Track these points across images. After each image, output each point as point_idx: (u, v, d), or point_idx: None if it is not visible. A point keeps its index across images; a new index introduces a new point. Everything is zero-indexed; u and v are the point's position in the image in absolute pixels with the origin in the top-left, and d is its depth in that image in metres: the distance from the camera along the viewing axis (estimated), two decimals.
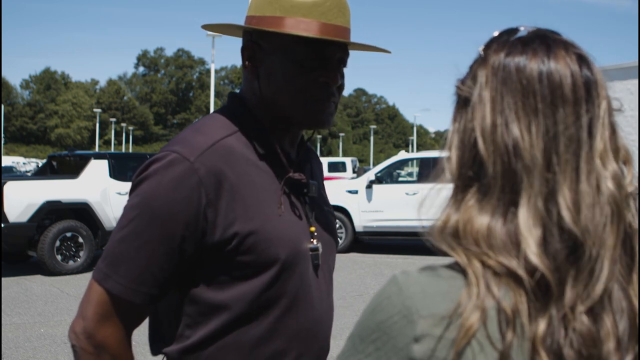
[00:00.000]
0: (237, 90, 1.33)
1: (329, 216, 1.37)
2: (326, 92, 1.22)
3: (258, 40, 1.22)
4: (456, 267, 0.70)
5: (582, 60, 0.72)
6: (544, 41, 0.73)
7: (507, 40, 0.74)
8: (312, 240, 1.25)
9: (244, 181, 1.16)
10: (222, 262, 1.14)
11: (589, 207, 0.67)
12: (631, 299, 0.68)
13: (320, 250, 1.26)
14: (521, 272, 0.66)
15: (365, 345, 0.71)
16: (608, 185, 0.68)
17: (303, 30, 1.16)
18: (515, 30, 0.76)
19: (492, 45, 0.75)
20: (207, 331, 1.16)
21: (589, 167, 0.68)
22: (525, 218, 0.67)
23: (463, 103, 0.75)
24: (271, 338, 1.18)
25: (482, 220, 0.69)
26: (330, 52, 1.20)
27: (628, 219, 0.69)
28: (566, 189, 0.67)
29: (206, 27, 1.30)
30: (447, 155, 0.75)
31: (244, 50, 1.24)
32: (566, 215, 0.67)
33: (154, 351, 1.24)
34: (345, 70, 1.27)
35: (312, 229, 1.26)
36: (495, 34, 0.77)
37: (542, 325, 0.65)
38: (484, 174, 0.71)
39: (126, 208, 1.15)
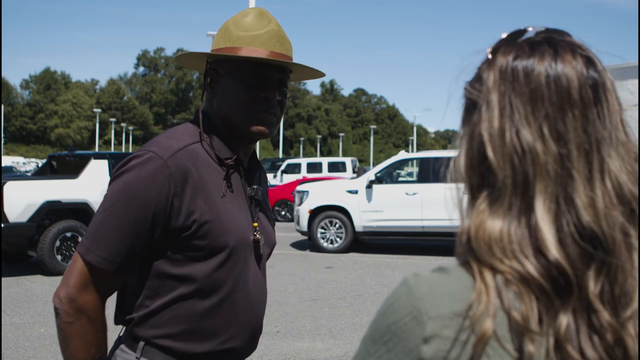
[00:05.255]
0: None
1: (269, 220, 1.64)
2: (266, 105, 1.47)
3: (216, 67, 1.50)
4: (468, 267, 0.70)
5: (589, 62, 0.72)
6: (552, 44, 0.72)
7: (515, 43, 0.74)
8: (255, 233, 1.50)
9: (205, 180, 1.41)
10: (182, 243, 1.37)
11: (607, 207, 0.67)
12: None
13: (262, 242, 1.51)
14: (536, 274, 0.66)
15: (377, 347, 0.71)
16: (624, 182, 0.68)
17: (246, 55, 1.44)
18: (523, 32, 0.75)
19: (500, 47, 0.74)
20: (163, 301, 1.39)
21: (603, 168, 0.68)
22: (543, 220, 0.67)
23: (471, 106, 0.75)
24: (216, 313, 1.42)
25: (494, 224, 0.69)
26: (270, 74, 1.47)
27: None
28: (582, 190, 0.68)
29: (178, 59, 1.57)
30: (456, 160, 0.75)
31: (205, 75, 1.51)
32: (585, 215, 0.67)
33: (117, 321, 1.46)
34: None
35: (255, 224, 1.52)
36: (503, 35, 0.76)
37: (564, 322, 0.66)
38: (494, 179, 0.70)
39: (107, 195, 1.37)
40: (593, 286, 0.66)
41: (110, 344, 1.45)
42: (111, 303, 1.42)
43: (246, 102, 1.45)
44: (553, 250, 0.66)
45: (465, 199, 0.75)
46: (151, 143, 1.41)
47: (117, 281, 1.39)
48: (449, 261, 0.73)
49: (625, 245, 0.67)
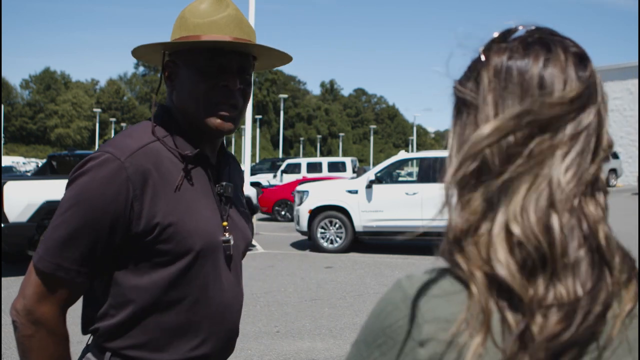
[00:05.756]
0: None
1: (243, 216, 1.54)
2: (226, 95, 1.38)
3: (174, 59, 1.42)
4: (460, 267, 0.69)
5: (581, 62, 0.71)
6: (545, 44, 0.72)
7: (507, 42, 0.73)
8: (224, 233, 1.41)
9: (167, 180, 1.34)
10: (145, 249, 1.30)
11: (558, 211, 0.66)
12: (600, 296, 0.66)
13: (232, 242, 1.42)
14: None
15: (371, 351, 0.71)
16: (567, 187, 0.67)
17: (203, 44, 1.35)
18: (514, 31, 0.75)
19: (493, 46, 0.74)
20: (129, 310, 1.32)
21: (588, 171, 0.68)
22: (499, 224, 0.67)
23: (463, 105, 0.74)
24: (185, 320, 1.35)
25: (485, 225, 0.69)
26: (229, 60, 1.38)
27: (591, 220, 0.68)
28: (526, 193, 0.67)
29: (135, 54, 1.48)
30: (449, 158, 0.74)
31: (164, 68, 1.44)
32: (533, 219, 0.66)
33: (84, 331, 1.39)
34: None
35: (225, 223, 1.43)
36: (495, 34, 0.75)
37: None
38: (489, 179, 0.70)
39: (63, 199, 1.30)
40: (534, 292, 0.65)
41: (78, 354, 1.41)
42: (76, 313, 1.36)
43: (204, 92, 1.36)
44: (497, 264, 0.65)
45: (455, 197, 0.73)
46: (108, 143, 1.34)
47: (77, 291, 1.32)
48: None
49: (570, 250, 0.66)
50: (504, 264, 0.65)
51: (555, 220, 0.66)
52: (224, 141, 1.53)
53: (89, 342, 1.40)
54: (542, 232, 0.66)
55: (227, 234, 1.41)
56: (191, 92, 1.37)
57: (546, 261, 0.66)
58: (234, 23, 1.39)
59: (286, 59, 1.51)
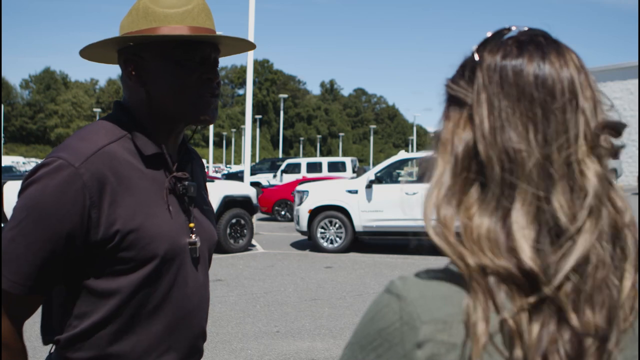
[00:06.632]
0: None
1: (207, 214, 1.48)
2: (210, 88, 1.34)
3: (139, 53, 1.33)
4: (455, 268, 0.69)
5: (574, 63, 0.72)
6: (538, 44, 0.72)
7: (501, 42, 0.74)
8: (191, 235, 1.36)
9: (126, 184, 1.26)
10: (106, 257, 1.24)
11: (580, 208, 0.67)
12: (617, 291, 0.68)
13: (199, 244, 1.37)
14: (519, 274, 0.66)
15: (366, 354, 0.70)
16: (591, 185, 0.68)
17: (188, 34, 1.31)
18: (506, 31, 0.76)
19: (486, 46, 0.74)
20: (92, 320, 1.26)
21: (582, 170, 0.68)
22: (519, 221, 0.67)
23: (455, 103, 0.74)
24: (151, 326, 1.30)
25: (483, 222, 0.68)
26: (207, 52, 1.34)
27: (612, 215, 0.69)
28: (560, 191, 0.67)
29: (83, 53, 1.41)
30: (438, 156, 0.74)
31: (127, 63, 1.34)
32: (562, 217, 0.66)
33: (45, 341, 1.35)
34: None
35: (191, 225, 1.37)
36: (488, 34, 0.76)
37: (535, 329, 0.65)
38: (484, 176, 0.70)
39: (15, 209, 1.24)
40: (567, 290, 0.65)
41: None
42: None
43: (191, 86, 1.31)
44: (525, 258, 0.65)
45: (444, 196, 0.73)
46: (61, 147, 1.26)
47: (33, 304, 1.26)
48: (447, 263, 0.73)
49: (589, 241, 0.67)
50: (531, 258, 0.65)
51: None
52: (185, 137, 1.49)
53: (52, 351, 1.36)
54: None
55: (193, 236, 1.36)
56: (176, 86, 1.31)
57: (574, 262, 0.66)
58: (204, 13, 1.34)
59: (248, 46, 1.47)
